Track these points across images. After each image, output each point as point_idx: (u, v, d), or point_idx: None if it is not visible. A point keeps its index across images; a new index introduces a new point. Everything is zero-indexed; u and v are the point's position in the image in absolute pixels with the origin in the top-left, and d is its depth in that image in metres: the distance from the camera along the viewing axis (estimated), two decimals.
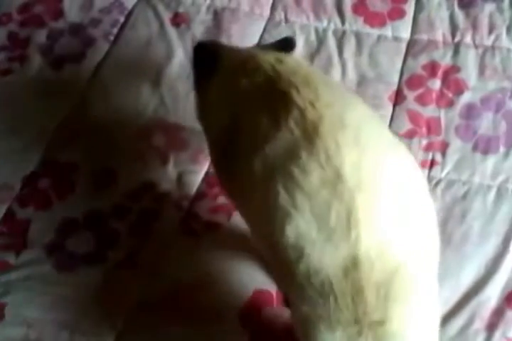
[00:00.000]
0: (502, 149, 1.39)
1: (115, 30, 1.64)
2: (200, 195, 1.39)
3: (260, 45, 1.45)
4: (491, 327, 1.19)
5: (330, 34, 1.60)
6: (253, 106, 1.05)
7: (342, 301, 0.86)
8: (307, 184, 0.92)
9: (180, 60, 1.58)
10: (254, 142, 1.00)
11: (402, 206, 0.94)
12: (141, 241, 1.34)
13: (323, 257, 0.89)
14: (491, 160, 1.38)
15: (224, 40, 1.60)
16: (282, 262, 0.93)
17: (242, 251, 1.31)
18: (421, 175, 1.03)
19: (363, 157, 0.93)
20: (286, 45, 1.33)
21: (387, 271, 0.88)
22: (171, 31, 1.63)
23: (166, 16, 1.67)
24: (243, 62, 1.12)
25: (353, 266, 0.87)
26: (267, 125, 0.99)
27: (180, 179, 1.41)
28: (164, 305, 1.27)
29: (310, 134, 0.95)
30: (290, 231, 0.90)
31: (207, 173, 1.41)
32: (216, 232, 1.34)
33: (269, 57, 1.10)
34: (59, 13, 1.69)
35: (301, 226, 0.90)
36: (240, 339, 1.23)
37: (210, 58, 1.20)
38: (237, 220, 1.33)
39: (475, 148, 1.40)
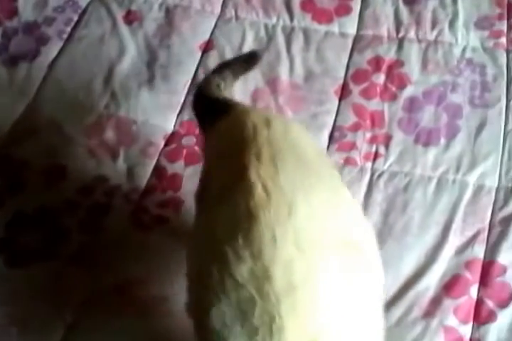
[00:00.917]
0: (443, 141, 1.36)
1: (69, 29, 1.59)
2: (150, 188, 1.35)
3: (228, 60, 1.37)
4: (429, 315, 1.16)
5: (279, 30, 1.56)
6: (218, 166, 0.97)
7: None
8: (238, 272, 0.82)
9: (132, 56, 1.54)
10: (210, 203, 0.92)
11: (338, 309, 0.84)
12: (92, 236, 1.30)
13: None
14: (432, 152, 1.35)
15: (175, 37, 1.57)
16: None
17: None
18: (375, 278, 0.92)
19: (298, 259, 0.81)
20: (251, 58, 1.27)
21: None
22: (124, 29, 1.58)
23: (119, 14, 1.62)
24: (234, 117, 1.03)
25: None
26: (221, 191, 0.90)
27: (130, 173, 1.37)
28: (116, 298, 1.22)
29: (251, 217, 0.84)
30: (215, 316, 0.83)
31: (156, 166, 1.37)
32: (166, 225, 1.30)
33: (258, 118, 0.99)
34: (13, 12, 1.63)
35: (227, 315, 0.82)
36: (192, 331, 1.19)
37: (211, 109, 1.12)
38: (186, 214, 1.31)
39: (417, 140, 1.37)
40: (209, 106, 1.14)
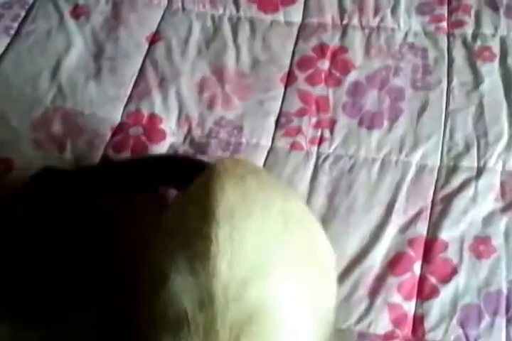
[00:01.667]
0: (386, 123, 1.38)
1: (16, 25, 1.58)
2: None
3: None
4: (374, 293, 1.17)
5: (225, 21, 1.57)
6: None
7: (195, 332, 0.81)
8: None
9: (79, 50, 1.53)
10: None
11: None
12: (38, 230, 1.28)
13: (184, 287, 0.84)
14: (376, 135, 1.36)
15: (122, 30, 1.56)
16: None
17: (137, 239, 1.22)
18: None
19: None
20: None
21: (244, 314, 0.83)
22: (71, 23, 1.58)
23: (66, 9, 1.61)
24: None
25: (209, 301, 0.82)
26: None
27: (77, 165, 1.35)
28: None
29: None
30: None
31: (103, 157, 1.36)
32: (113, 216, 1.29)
33: (228, 178, 0.94)
34: None
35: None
36: None
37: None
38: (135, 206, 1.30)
39: (361, 123, 1.38)
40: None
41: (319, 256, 1.01)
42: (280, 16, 1.57)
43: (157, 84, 1.47)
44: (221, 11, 1.59)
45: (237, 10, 1.59)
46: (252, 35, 1.54)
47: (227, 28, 1.56)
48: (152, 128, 1.42)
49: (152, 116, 1.43)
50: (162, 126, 1.42)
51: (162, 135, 1.41)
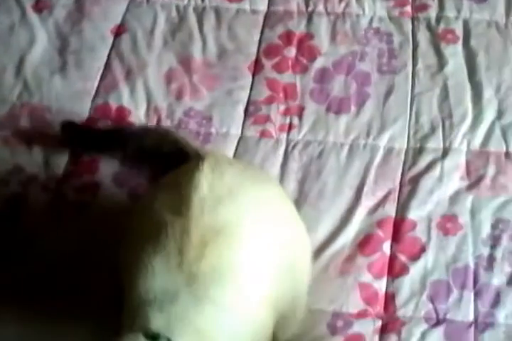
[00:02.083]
0: (353, 108, 1.49)
1: None
2: (67, 175, 1.43)
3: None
4: (345, 273, 1.28)
5: (190, 11, 1.67)
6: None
7: (172, 236, 0.98)
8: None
9: (43, 45, 1.62)
10: None
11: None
12: (10, 228, 1.37)
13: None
14: (344, 120, 1.48)
15: (86, 23, 1.66)
16: None
17: (111, 229, 1.33)
18: None
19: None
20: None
21: (215, 225, 1.00)
22: (33, 17, 1.67)
23: (28, 3, 1.70)
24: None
25: (186, 209, 1.00)
26: None
27: (46, 161, 1.45)
28: (38, 287, 1.30)
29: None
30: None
31: (73, 153, 1.45)
32: (85, 212, 1.39)
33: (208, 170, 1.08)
34: None
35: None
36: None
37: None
38: (104, 199, 1.41)
39: (328, 109, 1.50)
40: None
41: (294, 226, 1.16)
42: (246, 5, 1.68)
43: (124, 76, 1.57)
44: (186, 1, 1.69)
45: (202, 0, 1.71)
46: (218, 24, 1.65)
47: (192, 18, 1.66)
48: (121, 121, 1.51)
49: (120, 109, 1.52)
50: (131, 118, 1.52)
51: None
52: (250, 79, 1.56)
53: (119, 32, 1.65)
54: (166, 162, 1.30)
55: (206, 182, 1.04)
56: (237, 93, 1.54)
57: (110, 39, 1.64)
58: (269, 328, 1.07)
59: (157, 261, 0.99)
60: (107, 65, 1.59)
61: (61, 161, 1.45)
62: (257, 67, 1.57)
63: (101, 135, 1.45)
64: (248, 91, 1.54)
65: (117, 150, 1.43)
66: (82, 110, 1.52)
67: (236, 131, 1.49)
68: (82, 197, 1.41)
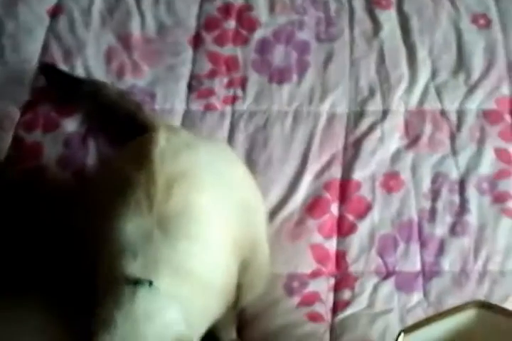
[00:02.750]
0: (295, 77, 1.67)
1: None
2: (10, 160, 1.56)
3: None
4: (296, 237, 1.46)
5: None
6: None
7: (138, 186, 1.14)
8: None
9: None
10: None
11: None
12: None
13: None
14: (286, 89, 1.66)
15: (22, 5, 1.80)
16: None
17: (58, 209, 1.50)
18: None
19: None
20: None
21: (177, 171, 1.17)
22: None
23: None
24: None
25: (149, 162, 1.17)
26: None
27: None
28: None
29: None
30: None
31: (14, 138, 1.59)
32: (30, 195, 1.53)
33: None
34: None
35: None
36: None
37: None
38: (50, 180, 1.55)
39: (271, 79, 1.67)
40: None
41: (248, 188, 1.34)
42: None
43: (63, 57, 1.72)
44: None
45: None
46: (156, 0, 1.82)
47: None
48: (62, 103, 1.65)
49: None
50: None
51: (72, 109, 1.64)
52: (191, 54, 1.72)
53: (55, 12, 1.79)
54: (121, 128, 1.51)
55: (163, 138, 1.21)
56: (178, 68, 1.70)
57: (47, 20, 1.78)
58: (234, 276, 1.22)
59: (127, 209, 1.13)
60: (45, 47, 1.73)
61: (2, 148, 1.59)
62: (197, 41, 1.74)
63: (74, 81, 1.63)
64: (190, 66, 1.70)
65: (84, 101, 1.61)
66: (22, 93, 1.66)
67: (180, 106, 1.65)
68: (26, 180, 1.54)
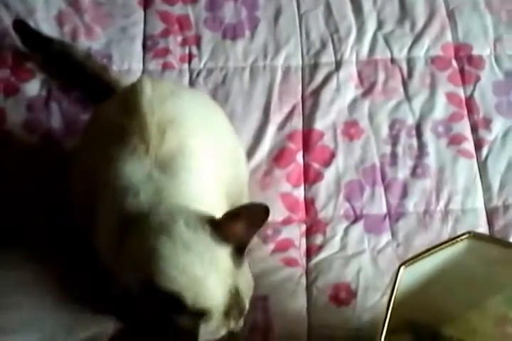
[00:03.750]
0: (247, 33, 1.45)
1: None
2: None
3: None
4: (265, 187, 1.27)
5: None
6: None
7: (133, 134, 0.99)
8: None
9: None
10: None
11: None
12: None
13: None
14: (240, 45, 1.44)
15: None
16: None
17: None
18: None
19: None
20: None
21: (167, 116, 1.02)
22: None
23: None
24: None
25: (138, 111, 1.02)
26: None
27: None
28: None
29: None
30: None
31: None
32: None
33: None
34: None
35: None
36: None
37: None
38: (16, 145, 1.32)
39: (224, 36, 1.45)
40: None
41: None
42: None
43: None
44: None
45: None
46: None
47: None
48: (19, 69, 1.40)
49: (16, 57, 1.41)
50: (29, 64, 1.40)
51: (31, 73, 1.39)
52: (142, 14, 1.47)
53: None
54: (86, 89, 1.32)
55: (149, 87, 1.05)
56: (131, 29, 1.45)
57: None
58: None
59: (125, 153, 0.99)
60: None
61: None
62: (147, 1, 1.48)
63: (44, 39, 1.39)
64: (142, 26, 1.45)
65: (52, 59, 1.38)
66: None
67: (138, 66, 1.41)
68: None
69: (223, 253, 0.93)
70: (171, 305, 0.90)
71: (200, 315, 0.91)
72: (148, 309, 0.90)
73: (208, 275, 0.91)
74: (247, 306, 0.96)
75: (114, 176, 1.00)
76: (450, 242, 0.98)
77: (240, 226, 0.92)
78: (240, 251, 0.94)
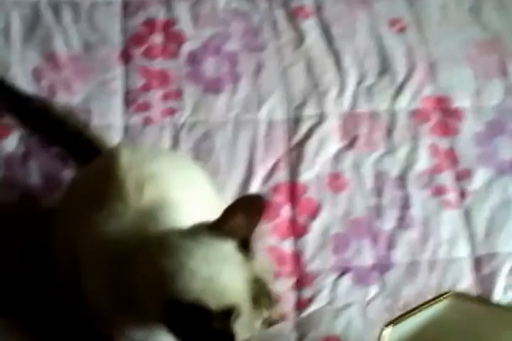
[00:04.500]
0: (229, 87, 1.72)
1: None
2: None
3: None
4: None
5: (44, 6, 1.82)
6: None
7: (109, 189, 1.20)
8: None
9: None
10: None
11: None
12: None
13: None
14: (222, 99, 1.71)
15: None
16: None
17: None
18: None
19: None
20: None
21: (144, 174, 1.23)
22: None
23: None
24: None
25: (117, 170, 1.23)
26: None
27: None
28: None
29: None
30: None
31: None
32: None
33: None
34: None
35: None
36: None
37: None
38: None
39: (206, 90, 1.72)
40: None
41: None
42: None
43: None
44: None
45: None
46: (76, 17, 1.81)
47: (48, 14, 1.81)
48: None
49: None
50: (6, 121, 1.65)
51: (8, 129, 1.64)
52: (122, 69, 1.74)
53: None
54: (66, 146, 1.58)
55: (126, 152, 1.27)
56: (111, 84, 1.71)
57: None
58: None
59: (105, 215, 1.18)
60: None
61: None
62: (126, 56, 1.76)
63: (23, 97, 1.65)
64: (122, 81, 1.72)
65: (29, 118, 1.64)
66: None
67: (118, 121, 1.67)
68: None
69: (229, 249, 1.07)
70: (197, 314, 1.03)
71: (229, 313, 1.03)
72: (178, 328, 1.05)
73: (219, 273, 1.04)
74: (273, 291, 1.09)
75: (96, 238, 1.19)
76: (432, 301, 1.21)
77: (238, 219, 1.07)
78: (246, 244, 1.08)
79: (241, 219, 1.07)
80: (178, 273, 1.04)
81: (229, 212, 1.08)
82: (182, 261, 1.04)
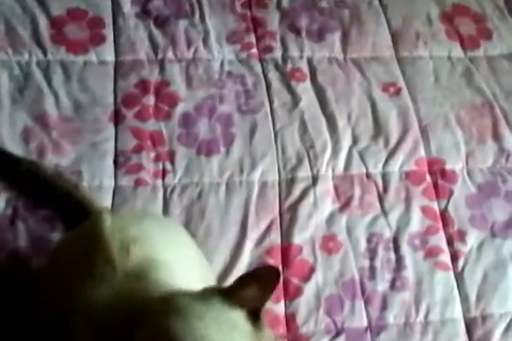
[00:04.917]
0: (222, 149, 1.92)
1: None
2: None
3: None
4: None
5: (34, 66, 2.02)
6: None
7: (94, 254, 1.34)
8: None
9: None
10: None
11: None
12: None
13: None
14: (215, 161, 1.90)
15: None
16: None
17: None
18: None
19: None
20: None
21: (128, 237, 1.38)
22: None
23: None
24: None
25: (100, 235, 1.38)
26: None
27: None
28: None
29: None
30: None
31: None
32: None
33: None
34: None
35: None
36: None
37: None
38: None
39: (199, 152, 1.91)
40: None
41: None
42: (92, 56, 2.06)
43: None
44: (27, 56, 2.03)
45: (45, 54, 2.04)
46: (67, 78, 2.01)
47: (38, 74, 2.01)
48: None
49: None
50: None
51: None
52: (113, 130, 1.93)
53: None
54: (55, 208, 1.73)
55: (108, 217, 1.42)
56: (102, 145, 1.90)
57: None
58: None
59: (93, 280, 1.31)
60: None
61: None
62: (118, 117, 1.95)
63: (12, 159, 1.82)
64: (113, 142, 1.91)
65: (17, 180, 1.81)
66: None
67: (109, 182, 1.84)
68: None
69: (239, 317, 1.17)
70: None
71: None
72: None
73: (228, 339, 1.14)
74: None
75: (86, 304, 1.30)
76: None
77: (251, 291, 1.16)
78: (256, 314, 1.18)
79: (255, 289, 1.17)
80: (188, 337, 1.11)
81: (244, 280, 1.18)
82: (192, 324, 1.12)
